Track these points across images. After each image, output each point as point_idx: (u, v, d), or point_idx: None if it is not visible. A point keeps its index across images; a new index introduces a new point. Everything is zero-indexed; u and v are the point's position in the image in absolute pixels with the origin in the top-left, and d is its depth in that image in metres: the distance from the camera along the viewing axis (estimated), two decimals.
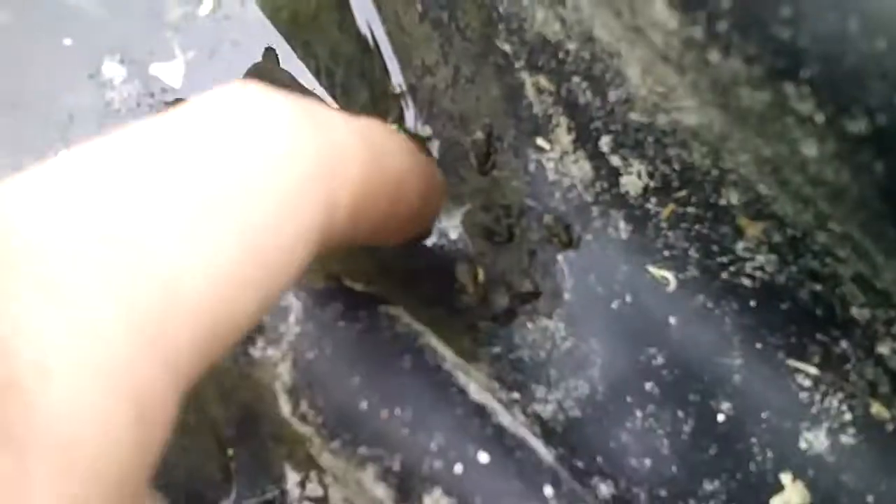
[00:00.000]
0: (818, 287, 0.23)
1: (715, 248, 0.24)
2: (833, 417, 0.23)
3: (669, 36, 0.18)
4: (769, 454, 0.23)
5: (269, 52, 0.28)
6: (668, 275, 0.24)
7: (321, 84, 0.28)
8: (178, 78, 0.29)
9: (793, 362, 0.23)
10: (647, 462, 0.24)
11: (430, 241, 0.26)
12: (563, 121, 0.25)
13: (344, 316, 0.24)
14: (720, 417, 0.24)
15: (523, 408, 0.24)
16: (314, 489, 0.24)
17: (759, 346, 0.24)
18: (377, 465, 0.22)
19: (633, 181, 0.24)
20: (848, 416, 0.23)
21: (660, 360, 0.24)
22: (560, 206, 0.25)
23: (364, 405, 0.23)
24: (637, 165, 0.24)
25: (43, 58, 0.29)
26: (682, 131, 0.22)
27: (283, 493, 0.25)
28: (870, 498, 0.23)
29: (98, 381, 0.13)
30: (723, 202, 0.23)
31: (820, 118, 0.16)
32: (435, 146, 0.27)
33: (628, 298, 0.25)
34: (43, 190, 0.15)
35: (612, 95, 0.23)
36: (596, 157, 0.24)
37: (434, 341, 0.24)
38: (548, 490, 0.22)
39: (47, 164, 0.15)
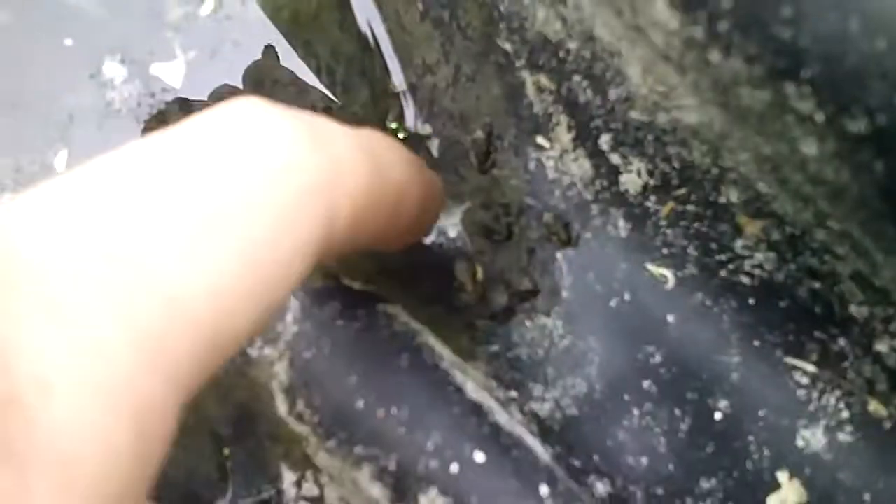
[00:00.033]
0: (817, 285, 0.23)
1: (714, 246, 0.24)
2: (830, 415, 0.23)
3: (670, 35, 0.18)
4: (766, 452, 0.23)
5: (269, 50, 0.28)
6: (667, 273, 0.24)
7: (322, 83, 0.28)
8: (178, 78, 0.29)
9: (791, 360, 0.23)
10: (644, 460, 0.24)
11: (429, 240, 0.26)
12: (564, 119, 0.25)
13: (342, 314, 0.24)
14: (717, 415, 0.24)
15: (520, 406, 0.24)
16: (310, 489, 0.24)
17: (757, 343, 0.24)
18: (373, 464, 0.22)
19: (632, 179, 0.24)
20: (845, 414, 0.23)
21: (658, 358, 0.24)
22: (560, 204, 0.25)
23: (360, 404, 0.23)
24: (637, 164, 0.24)
25: (43, 58, 0.29)
26: (682, 130, 0.22)
27: (280, 492, 0.25)
28: (867, 496, 0.23)
29: (99, 398, 0.13)
30: (722, 200, 0.23)
31: (820, 117, 0.16)
32: (435, 144, 0.27)
33: (627, 296, 0.25)
34: (44, 209, 0.15)
35: (613, 94, 0.23)
36: (596, 155, 0.24)
37: (432, 340, 0.24)
38: (544, 489, 0.22)
39: (48, 182, 0.15)
